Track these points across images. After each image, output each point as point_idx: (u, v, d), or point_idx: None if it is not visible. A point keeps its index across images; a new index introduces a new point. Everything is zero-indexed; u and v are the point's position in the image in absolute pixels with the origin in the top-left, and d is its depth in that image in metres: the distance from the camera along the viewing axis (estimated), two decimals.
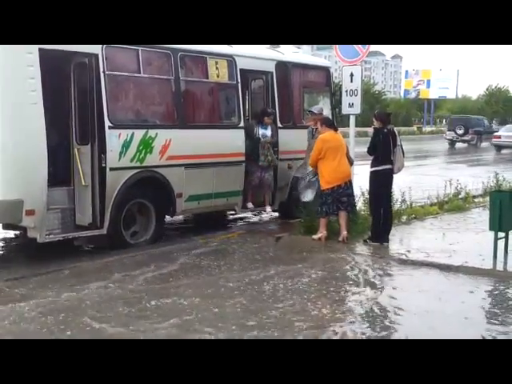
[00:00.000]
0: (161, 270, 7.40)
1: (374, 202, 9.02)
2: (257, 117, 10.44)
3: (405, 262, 8.01)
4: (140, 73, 8.58)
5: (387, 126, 8.91)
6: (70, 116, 8.20)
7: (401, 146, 8.92)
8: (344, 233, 8.94)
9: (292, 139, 10.59)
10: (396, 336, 5.42)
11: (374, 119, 9.05)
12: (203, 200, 9.44)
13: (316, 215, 9.22)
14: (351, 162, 9.37)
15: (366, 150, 8.96)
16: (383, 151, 8.75)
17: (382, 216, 8.98)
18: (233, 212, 11.00)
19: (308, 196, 9.65)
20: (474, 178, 15.63)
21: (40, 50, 7.30)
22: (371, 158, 8.92)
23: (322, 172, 9.08)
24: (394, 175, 8.93)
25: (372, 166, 8.85)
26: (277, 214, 11.35)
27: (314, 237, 9.10)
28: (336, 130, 9.30)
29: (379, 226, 8.93)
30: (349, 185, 9.11)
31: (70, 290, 6.52)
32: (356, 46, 10.06)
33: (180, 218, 10.82)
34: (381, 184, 8.84)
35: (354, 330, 5.56)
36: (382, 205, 8.96)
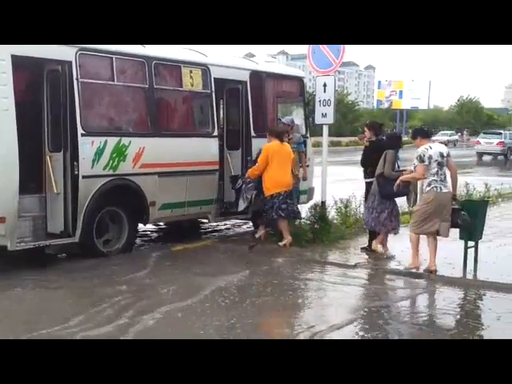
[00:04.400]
0: None
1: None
2: None
3: (376, 271, 8.10)
4: (114, 80, 8.55)
5: (379, 137, 9.02)
6: (43, 123, 8.13)
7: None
8: (289, 238, 9.25)
9: None
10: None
11: (366, 129, 9.16)
12: (176, 208, 9.42)
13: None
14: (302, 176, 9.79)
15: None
16: (377, 163, 8.78)
17: None
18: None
19: (241, 206, 9.73)
20: None
21: (13, 56, 7.26)
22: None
23: (264, 179, 9.37)
24: None
25: (367, 178, 8.99)
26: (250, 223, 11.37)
27: (280, 244, 9.30)
28: (282, 141, 9.48)
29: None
30: (288, 194, 9.39)
31: None
32: (329, 56, 10.14)
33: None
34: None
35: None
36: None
